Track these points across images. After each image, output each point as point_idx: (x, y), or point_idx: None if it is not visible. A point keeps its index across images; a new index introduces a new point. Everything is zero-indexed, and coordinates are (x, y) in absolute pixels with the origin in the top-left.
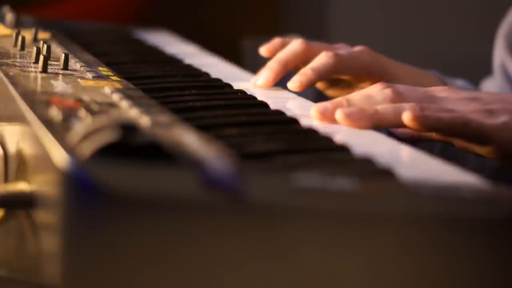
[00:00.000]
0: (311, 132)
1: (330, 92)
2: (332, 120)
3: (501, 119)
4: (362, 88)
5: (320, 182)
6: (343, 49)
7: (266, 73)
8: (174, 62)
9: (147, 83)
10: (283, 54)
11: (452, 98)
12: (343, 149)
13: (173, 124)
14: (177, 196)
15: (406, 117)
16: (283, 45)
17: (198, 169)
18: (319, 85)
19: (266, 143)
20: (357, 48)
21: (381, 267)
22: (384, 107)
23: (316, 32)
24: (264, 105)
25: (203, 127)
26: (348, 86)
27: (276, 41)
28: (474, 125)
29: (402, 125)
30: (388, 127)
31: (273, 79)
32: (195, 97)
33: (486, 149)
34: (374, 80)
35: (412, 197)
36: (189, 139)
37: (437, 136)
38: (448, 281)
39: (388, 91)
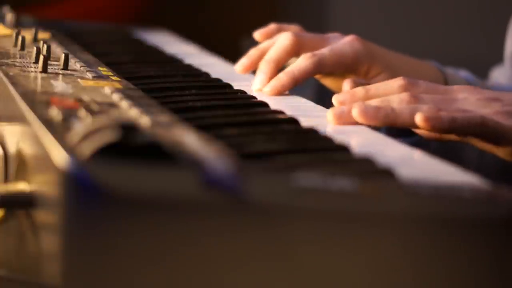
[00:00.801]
0: (311, 132)
1: (326, 81)
2: (348, 123)
3: None
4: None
5: (320, 182)
6: (336, 40)
7: (261, 77)
8: (174, 62)
9: (147, 83)
10: (273, 53)
11: (471, 100)
12: (343, 149)
13: (173, 124)
14: (177, 196)
15: (419, 119)
16: (278, 31)
17: (198, 169)
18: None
19: (266, 143)
20: (347, 38)
21: (381, 267)
22: (402, 107)
23: (316, 32)
24: (264, 105)
25: (203, 127)
26: (342, 75)
27: (272, 26)
28: (492, 125)
29: (416, 125)
30: (403, 126)
31: (268, 81)
32: (195, 97)
33: (504, 151)
34: (366, 68)
35: (412, 197)
36: (189, 139)
37: (456, 136)
38: (448, 281)
39: (404, 96)
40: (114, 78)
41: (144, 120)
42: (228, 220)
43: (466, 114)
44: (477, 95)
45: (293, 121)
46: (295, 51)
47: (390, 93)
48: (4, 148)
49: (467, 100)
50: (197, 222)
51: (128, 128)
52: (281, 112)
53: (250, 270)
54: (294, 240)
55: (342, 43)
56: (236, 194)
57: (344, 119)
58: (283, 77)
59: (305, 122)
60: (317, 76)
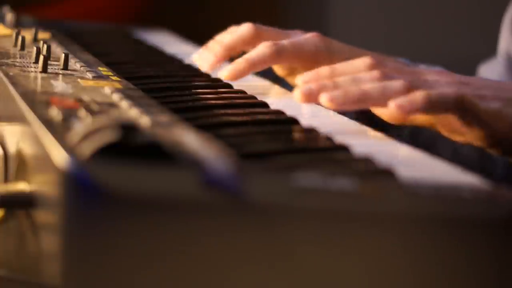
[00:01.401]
0: (311, 132)
1: (290, 79)
2: (316, 101)
3: (492, 106)
4: None
5: (320, 182)
6: (296, 36)
7: (208, 56)
8: (174, 62)
9: (147, 83)
10: (229, 38)
11: (442, 81)
12: (343, 149)
13: (173, 124)
14: (177, 196)
15: (393, 106)
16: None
17: (198, 169)
18: (278, 72)
19: (266, 143)
20: (308, 34)
21: (381, 267)
22: (371, 87)
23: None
24: (264, 105)
25: (203, 127)
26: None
27: (230, 29)
28: (467, 103)
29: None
30: (374, 106)
31: (215, 63)
32: (195, 97)
33: (474, 134)
34: (327, 64)
35: (412, 197)
36: (189, 139)
37: (421, 119)
38: (448, 281)
39: (376, 73)
40: (114, 78)
41: (144, 120)
42: (228, 220)
43: (442, 91)
44: (447, 77)
45: (293, 121)
46: (253, 42)
47: (358, 72)
48: (4, 148)
49: (438, 82)
50: (197, 222)
51: (128, 128)
52: (281, 112)
53: (250, 270)
54: (294, 240)
55: (303, 38)
56: (236, 194)
57: (312, 98)
58: (241, 62)
59: (305, 122)
60: (282, 75)
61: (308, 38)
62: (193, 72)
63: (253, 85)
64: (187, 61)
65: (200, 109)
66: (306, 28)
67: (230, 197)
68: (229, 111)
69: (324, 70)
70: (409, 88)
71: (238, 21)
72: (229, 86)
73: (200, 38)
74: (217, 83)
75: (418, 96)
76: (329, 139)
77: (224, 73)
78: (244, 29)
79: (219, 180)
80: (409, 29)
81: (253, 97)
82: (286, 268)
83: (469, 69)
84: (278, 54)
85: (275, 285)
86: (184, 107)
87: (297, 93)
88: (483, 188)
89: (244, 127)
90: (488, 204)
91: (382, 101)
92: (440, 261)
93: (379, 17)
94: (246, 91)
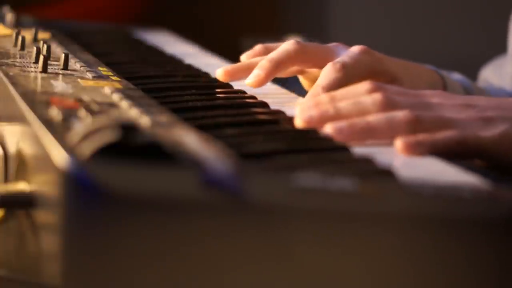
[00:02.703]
0: (311, 132)
1: (306, 84)
2: (318, 126)
3: (499, 128)
4: None
5: (320, 182)
6: (338, 49)
7: (258, 72)
8: (174, 62)
9: (147, 83)
10: (275, 53)
11: (446, 105)
12: (343, 149)
13: (173, 124)
14: (177, 196)
15: (398, 146)
16: (265, 51)
17: (198, 169)
18: (305, 85)
19: (266, 143)
20: (355, 49)
21: (381, 267)
22: (376, 119)
23: (316, 32)
24: (264, 105)
25: (203, 127)
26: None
27: (258, 47)
28: (471, 142)
29: (394, 137)
30: (379, 139)
31: (265, 78)
32: (195, 97)
33: (486, 162)
34: (377, 78)
35: (412, 197)
36: (189, 139)
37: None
38: (448, 281)
39: (378, 97)
40: (114, 78)
41: (144, 120)
42: (228, 220)
43: (446, 134)
44: (451, 100)
45: (293, 121)
46: (298, 57)
47: (358, 96)
48: (4, 148)
49: (442, 106)
50: (197, 222)
51: (128, 128)
52: (281, 112)
53: (250, 270)
54: (294, 240)
55: (359, 52)
56: (236, 194)
57: (313, 125)
58: (266, 64)
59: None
60: (301, 78)
61: (359, 54)
62: (193, 72)
63: None
64: (187, 61)
65: (200, 109)
66: (306, 28)
67: (230, 197)
68: (229, 111)
69: (324, 97)
70: (415, 120)
71: (238, 21)
72: (229, 86)
73: (200, 38)
74: (217, 83)
75: (425, 141)
76: (329, 139)
77: (248, 81)
78: (289, 44)
79: (219, 180)
80: (409, 29)
81: (253, 97)
82: (286, 268)
83: (469, 69)
84: (346, 72)
85: (275, 285)
86: (184, 107)
87: (297, 120)
88: (483, 188)
89: (244, 127)
90: (488, 204)
91: (388, 134)
92: (440, 261)
93: (379, 17)
94: (246, 91)
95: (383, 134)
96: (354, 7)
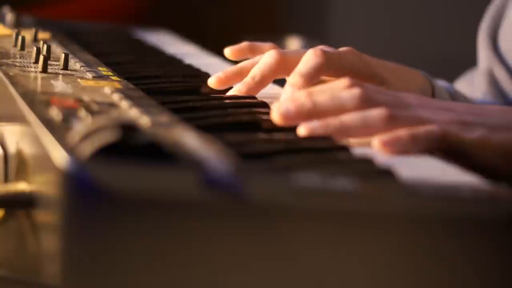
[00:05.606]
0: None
1: None
2: (294, 123)
3: (476, 133)
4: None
5: (320, 182)
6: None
7: (240, 88)
8: (174, 62)
9: (147, 83)
10: (257, 68)
11: (424, 106)
12: (343, 149)
13: (173, 124)
14: (177, 196)
15: (377, 144)
16: (250, 49)
17: (198, 169)
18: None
19: (266, 143)
20: (341, 48)
21: (381, 267)
22: (350, 118)
23: (316, 32)
24: (264, 105)
25: (203, 127)
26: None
27: (244, 44)
28: (453, 139)
29: (370, 135)
30: (355, 137)
31: (246, 92)
32: (195, 97)
33: (464, 165)
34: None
35: (412, 197)
36: (189, 139)
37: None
38: (448, 281)
39: (356, 92)
40: (114, 78)
41: (144, 120)
42: (228, 220)
43: (427, 129)
44: (429, 103)
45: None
46: (280, 68)
47: (340, 101)
48: (4, 148)
49: (420, 106)
50: (197, 222)
51: (128, 128)
52: None
53: (250, 270)
54: (294, 240)
55: (342, 50)
56: (236, 194)
57: (290, 119)
58: (249, 81)
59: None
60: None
61: (348, 52)
62: (193, 72)
63: None
64: (187, 61)
65: (200, 109)
66: (306, 28)
67: (230, 197)
68: (229, 111)
69: (301, 92)
70: (391, 117)
71: (238, 21)
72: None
73: (200, 38)
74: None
75: (404, 136)
76: (329, 139)
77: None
78: (269, 57)
79: (219, 180)
80: (409, 29)
81: (253, 97)
82: (286, 268)
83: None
84: (328, 61)
85: (275, 285)
86: (184, 107)
87: (274, 114)
88: (483, 188)
89: (244, 127)
90: (488, 204)
91: (364, 133)
92: (440, 261)
93: (379, 17)
94: None
95: (359, 132)
96: (354, 7)
